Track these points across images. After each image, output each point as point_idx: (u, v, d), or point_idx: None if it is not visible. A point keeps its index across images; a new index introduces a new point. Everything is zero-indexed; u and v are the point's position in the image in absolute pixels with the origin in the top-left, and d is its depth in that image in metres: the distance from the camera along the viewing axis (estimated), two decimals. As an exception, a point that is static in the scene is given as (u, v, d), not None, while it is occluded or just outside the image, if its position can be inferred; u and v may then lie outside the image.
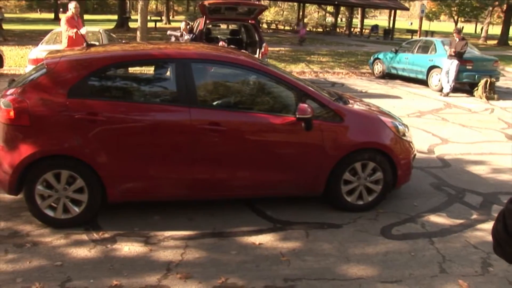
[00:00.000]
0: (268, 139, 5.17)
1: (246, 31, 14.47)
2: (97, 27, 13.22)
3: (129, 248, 4.48)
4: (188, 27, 12.81)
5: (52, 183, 4.73)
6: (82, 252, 4.38)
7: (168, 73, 5.31)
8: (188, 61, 5.09)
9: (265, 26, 44.34)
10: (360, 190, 5.52)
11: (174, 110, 4.96)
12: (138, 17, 20.36)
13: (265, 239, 4.76)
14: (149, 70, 5.38)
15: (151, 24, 32.75)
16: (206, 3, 12.94)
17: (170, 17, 58.21)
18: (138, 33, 19.95)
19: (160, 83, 5.59)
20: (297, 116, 5.00)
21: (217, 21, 15.12)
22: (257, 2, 16.43)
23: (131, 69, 5.32)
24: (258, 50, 13.18)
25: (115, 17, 43.65)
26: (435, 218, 5.50)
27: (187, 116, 4.88)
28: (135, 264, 4.20)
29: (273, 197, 5.60)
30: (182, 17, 53.95)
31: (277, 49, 24.81)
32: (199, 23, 13.53)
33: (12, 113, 4.59)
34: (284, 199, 5.64)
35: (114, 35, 14.13)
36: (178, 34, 12.70)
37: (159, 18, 49.93)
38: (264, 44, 13.19)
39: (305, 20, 49.08)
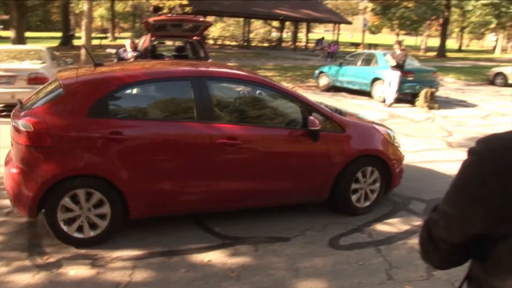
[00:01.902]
0: (280, 151, 5.47)
1: (191, 47, 14.47)
2: (40, 45, 12.90)
3: (75, 271, 4.36)
4: (133, 44, 12.71)
5: (75, 203, 4.73)
6: (24, 279, 4.20)
7: (185, 91, 5.42)
8: (204, 79, 5.28)
9: (211, 41, 44.43)
10: (361, 194, 5.93)
11: (191, 126, 5.09)
12: (83, 34, 20.08)
13: (214, 256, 4.74)
14: (166, 88, 5.52)
15: (96, 42, 32.31)
16: (151, 20, 12.91)
17: (116, 34, 57.57)
18: (82, 51, 19.68)
19: (178, 101, 5.63)
20: (309, 128, 5.35)
21: (162, 38, 15.08)
22: (202, 19, 16.46)
23: (148, 87, 5.55)
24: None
25: (59, 34, 42.81)
26: (381, 227, 5.62)
27: (205, 131, 5.05)
28: (81, 288, 4.10)
29: (285, 205, 5.83)
30: (128, 34, 53.42)
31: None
32: (144, 40, 13.46)
33: (32, 135, 4.56)
34: (233, 215, 5.63)
35: (58, 53, 13.82)
36: (120, 51, 12.54)
37: (104, 35, 49.31)
38: (210, 60, 13.23)
39: (251, 35, 49.47)
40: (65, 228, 4.76)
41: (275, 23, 55.14)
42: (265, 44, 48.61)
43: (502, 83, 23.12)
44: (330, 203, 5.91)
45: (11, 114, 5.14)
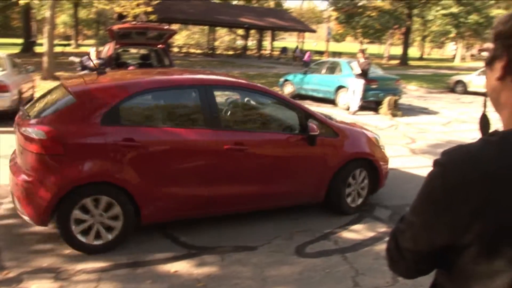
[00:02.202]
0: (282, 155, 5.77)
1: (156, 55, 14.37)
2: (0, 51, 12.60)
3: (37, 286, 4.23)
4: (97, 52, 12.57)
5: (88, 209, 4.78)
6: (-17, 294, 4.09)
7: (192, 99, 5.59)
8: (210, 87, 5.49)
9: (176, 49, 44.20)
10: (354, 194, 6.32)
11: (200, 132, 5.28)
12: (45, 41, 19.72)
13: (180, 266, 4.69)
14: (175, 96, 5.74)
15: (59, 49, 31.80)
16: (115, 28, 12.77)
17: (79, 42, 56.80)
18: (44, 58, 19.32)
19: (186, 108, 5.78)
20: (310, 133, 5.68)
21: (126, 46, 14.94)
22: (166, 27, 16.39)
23: (158, 95, 5.62)
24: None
25: (20, 41, 41.95)
26: (347, 234, 5.66)
27: (212, 137, 5.25)
28: (43, 301, 4.00)
29: (286, 207, 6.10)
30: (91, 41, 52.79)
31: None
32: (109, 48, 13.30)
33: (46, 143, 4.58)
34: (198, 224, 5.60)
35: (19, 61, 13.52)
36: (84, 59, 12.36)
37: (67, 42, 48.58)
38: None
39: (216, 43, 49.47)
40: (78, 236, 4.80)
41: (240, 31, 55.28)
42: (230, 52, 48.60)
43: (462, 90, 23.69)
44: (326, 203, 6.22)
45: (15, 122, 5.23)
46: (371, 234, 5.68)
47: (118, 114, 4.96)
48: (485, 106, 1.39)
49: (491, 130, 1.35)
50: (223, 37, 60.01)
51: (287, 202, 6.02)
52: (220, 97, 6.15)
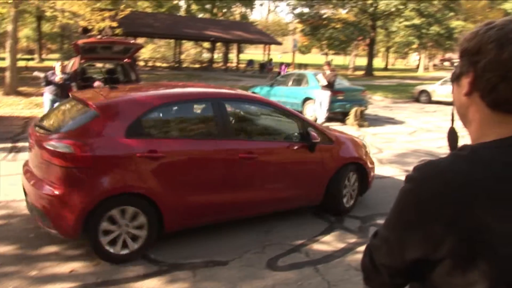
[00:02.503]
0: (287, 162, 6.22)
1: (122, 70, 14.28)
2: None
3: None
4: (62, 66, 12.38)
5: (115, 220, 4.94)
6: None
7: (207, 111, 5.99)
8: (222, 100, 5.90)
9: (142, 63, 43.93)
10: (348, 196, 6.79)
11: (216, 143, 5.64)
12: (7, 56, 19.38)
13: (151, 284, 4.62)
14: (192, 108, 6.24)
15: (22, 63, 31.25)
16: (80, 42, 12.66)
17: (43, 56, 55.95)
18: (7, 73, 18.97)
19: (203, 119, 6.20)
20: (312, 141, 6.19)
21: (92, 61, 14.80)
22: (132, 41, 16.28)
23: (177, 108, 6.00)
24: (135, 89, 12.99)
25: (-19, 56, 41.15)
26: (318, 246, 5.68)
27: (227, 147, 5.64)
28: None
29: (288, 209, 6.50)
30: (56, 56, 52.05)
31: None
32: (73, 63, 13.14)
33: (74, 156, 4.74)
34: (168, 240, 5.54)
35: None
36: (49, 74, 12.14)
37: (30, 56, 47.79)
38: (141, 83, 13.08)
39: (182, 57, 49.35)
40: (105, 244, 4.94)
41: (206, 44, 55.29)
42: (197, 65, 48.54)
43: (426, 100, 24.14)
44: (324, 205, 6.64)
45: (31, 136, 5.48)
46: (341, 245, 5.71)
47: (141, 126, 5.21)
48: (452, 119, 1.42)
49: (459, 143, 1.38)
50: (189, 50, 59.91)
51: (291, 204, 6.44)
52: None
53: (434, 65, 74.42)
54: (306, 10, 49.80)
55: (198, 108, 6.20)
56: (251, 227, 6.05)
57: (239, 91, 7.00)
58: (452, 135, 1.39)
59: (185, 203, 5.30)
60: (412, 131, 15.01)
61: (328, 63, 15.69)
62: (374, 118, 17.16)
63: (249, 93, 7.25)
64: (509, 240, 1.06)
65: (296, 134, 6.32)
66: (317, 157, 6.36)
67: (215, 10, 54.82)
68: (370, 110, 17.95)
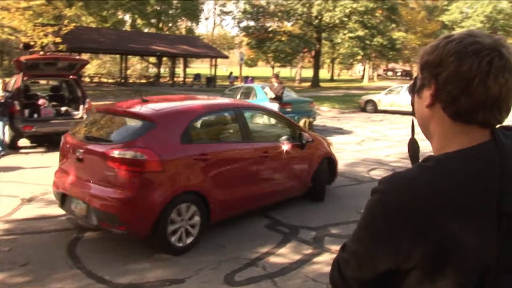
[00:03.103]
0: (289, 158, 7.42)
1: (67, 86, 13.96)
2: None
3: None
4: (3, 84, 12.01)
5: (177, 217, 5.66)
6: None
7: (234, 119, 7.02)
8: (242, 109, 7.15)
9: (88, 79, 43.11)
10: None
11: (244, 144, 6.78)
12: None
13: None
14: (222, 117, 7.37)
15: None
16: (22, 58, 12.30)
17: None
18: None
19: (230, 126, 7.25)
20: (307, 140, 7.60)
21: (35, 78, 14.42)
22: (77, 57, 15.96)
23: (212, 116, 7.12)
24: (81, 106, 12.76)
25: None
26: (274, 259, 5.66)
27: (251, 148, 6.81)
28: None
29: (286, 200, 7.57)
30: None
31: (101, 103, 24.01)
32: (16, 80, 12.74)
33: (146, 163, 5.38)
34: (121, 260, 5.41)
35: None
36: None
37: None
38: (87, 100, 12.85)
39: (128, 72, 48.77)
40: (172, 239, 5.62)
41: (153, 59, 54.89)
42: (143, 81, 47.99)
43: (373, 109, 24.73)
44: (309, 193, 7.94)
45: (74, 144, 6.05)
46: (297, 257, 5.72)
47: (190, 133, 6.07)
48: (413, 130, 1.44)
49: (420, 154, 1.41)
50: (135, 66, 59.32)
51: (291, 194, 7.63)
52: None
53: (378, 75, 76.34)
54: (251, 23, 50.26)
55: (226, 117, 7.27)
56: (205, 242, 5.99)
57: (250, 103, 8.61)
58: (413, 146, 1.42)
59: (225, 197, 6.19)
60: (360, 140, 15.29)
61: (276, 76, 15.78)
62: (322, 128, 17.35)
63: (256, 103, 9.23)
64: (474, 249, 1.09)
65: (292, 135, 7.56)
66: (307, 154, 7.75)
67: (160, 25, 54.49)
68: (318, 121, 18.19)
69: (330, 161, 8.34)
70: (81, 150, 5.87)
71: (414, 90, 1.34)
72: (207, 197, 5.90)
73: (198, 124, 6.55)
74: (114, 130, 6.33)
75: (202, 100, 7.70)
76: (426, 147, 1.39)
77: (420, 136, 1.41)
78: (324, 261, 5.59)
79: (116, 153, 5.43)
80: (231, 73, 46.71)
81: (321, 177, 8.06)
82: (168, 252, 5.62)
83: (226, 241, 6.13)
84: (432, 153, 1.27)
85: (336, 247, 5.99)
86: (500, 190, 1.12)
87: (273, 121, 8.41)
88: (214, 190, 6.01)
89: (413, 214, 1.12)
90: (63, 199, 6.14)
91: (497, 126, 1.22)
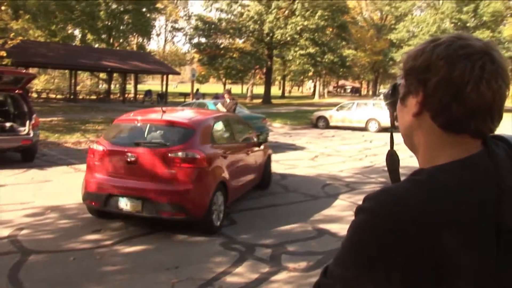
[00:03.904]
0: (254, 153, 9.32)
1: (13, 101, 13.45)
2: None
3: None
4: None
5: (215, 202, 7.14)
6: None
7: (226, 125, 8.80)
8: (229, 118, 9.28)
9: (35, 95, 41.94)
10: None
11: (236, 144, 8.77)
12: None
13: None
14: (221, 124, 8.77)
15: None
16: (-37, 73, 11.82)
17: None
18: None
19: (228, 130, 8.79)
20: (264, 140, 9.74)
21: (-22, 93, 13.86)
22: (24, 71, 15.45)
23: (218, 123, 8.57)
24: (27, 122, 12.32)
25: None
26: (231, 278, 5.51)
27: (244, 146, 8.98)
28: None
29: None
30: None
31: (49, 119, 23.41)
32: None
33: (200, 161, 6.92)
34: (69, 284, 5.16)
35: None
36: None
37: None
38: (34, 116, 12.41)
39: (78, 88, 47.78)
40: (214, 220, 7.11)
41: (103, 75, 54.03)
42: (93, 97, 47.09)
43: (324, 125, 25.05)
44: (261, 183, 9.86)
45: (143, 153, 6.97)
46: (254, 275, 5.58)
47: (213, 136, 7.74)
48: (392, 142, 1.35)
49: (400, 167, 1.33)
50: (85, 81, 58.26)
51: (254, 183, 9.40)
52: None
53: (329, 92, 77.45)
54: (203, 40, 50.26)
55: (224, 123, 8.73)
56: (157, 262, 5.80)
57: (228, 113, 10.93)
58: (392, 158, 1.33)
59: (234, 184, 7.92)
60: (313, 156, 15.34)
61: (229, 92, 15.74)
62: (275, 145, 17.29)
63: (233, 113, 12.06)
64: (473, 269, 1.02)
65: (252, 136, 9.57)
66: (261, 150, 9.66)
67: (111, 40, 53.74)
68: (271, 137, 18.12)
69: (269, 156, 10.34)
70: (133, 154, 6.90)
71: (393, 100, 1.26)
72: (227, 186, 7.55)
73: (215, 129, 7.98)
74: (162, 136, 7.41)
75: (206, 112, 10.73)
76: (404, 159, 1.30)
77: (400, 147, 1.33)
78: (282, 280, 5.48)
79: (179, 154, 6.84)
80: (197, 89, 46.53)
81: (268, 170, 10.16)
82: (210, 231, 7.01)
83: (180, 260, 5.95)
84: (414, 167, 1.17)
85: (293, 265, 5.91)
86: (498, 204, 1.04)
87: (242, 126, 9.88)
88: (229, 180, 7.65)
89: (406, 234, 1.02)
90: (107, 200, 6.97)
91: (488, 135, 1.14)
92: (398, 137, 1.23)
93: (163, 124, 7.52)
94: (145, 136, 7.41)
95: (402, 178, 1.17)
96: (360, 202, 1.11)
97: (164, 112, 7.76)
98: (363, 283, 1.10)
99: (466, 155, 1.10)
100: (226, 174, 7.50)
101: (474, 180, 1.07)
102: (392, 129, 1.35)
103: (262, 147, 9.66)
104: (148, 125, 7.55)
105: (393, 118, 1.31)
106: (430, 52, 1.12)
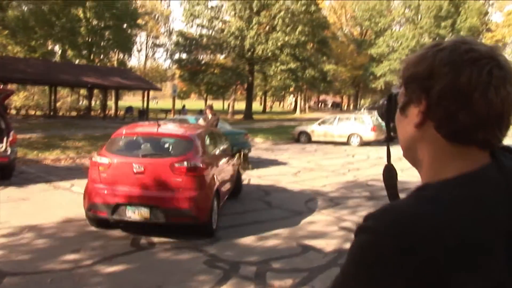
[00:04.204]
0: (230, 163, 9.98)
1: (-10, 118, 13.18)
2: None
3: None
4: None
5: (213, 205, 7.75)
6: None
7: (211, 138, 9.51)
8: (212, 131, 10.15)
9: (14, 111, 41.39)
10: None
11: (220, 154, 9.47)
12: None
13: None
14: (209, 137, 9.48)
15: None
16: None
17: None
18: None
19: (212, 142, 9.35)
20: (238, 152, 11.50)
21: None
22: (2, 86, 15.18)
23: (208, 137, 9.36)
24: (5, 139, 12.06)
25: None
26: (214, 298, 5.36)
27: (224, 154, 9.71)
28: None
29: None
30: None
31: (28, 136, 23.00)
32: None
33: (200, 169, 7.53)
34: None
35: None
36: None
37: None
38: (11, 132, 12.17)
39: (58, 104, 47.32)
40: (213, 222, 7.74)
41: (83, 91, 53.61)
42: (74, 113, 46.62)
43: (306, 140, 25.10)
44: (234, 191, 10.28)
45: (150, 163, 7.49)
46: (239, 295, 5.45)
47: (206, 147, 8.40)
48: (389, 156, 1.26)
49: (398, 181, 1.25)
50: (66, 98, 57.74)
51: (232, 190, 9.94)
52: None
53: (310, 107, 77.78)
54: (184, 56, 50.24)
55: (210, 136, 9.31)
56: (141, 284, 5.64)
57: (208, 128, 11.14)
58: (389, 173, 1.24)
59: (223, 190, 8.54)
60: (296, 171, 15.25)
61: (210, 107, 15.66)
62: (257, 160, 17.22)
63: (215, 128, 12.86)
64: None
65: (228, 147, 10.47)
66: (234, 161, 10.44)
67: (92, 56, 53.43)
68: (253, 153, 18.05)
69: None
70: (140, 165, 7.37)
71: (389, 111, 1.18)
72: (219, 192, 8.15)
73: (206, 141, 8.62)
74: (165, 148, 8.26)
75: (195, 126, 12.12)
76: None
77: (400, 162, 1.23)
78: (266, 298, 5.35)
79: (185, 163, 7.38)
80: (183, 106, 46.46)
81: (239, 178, 10.85)
82: (209, 234, 7.53)
83: (162, 280, 5.78)
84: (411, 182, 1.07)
85: (279, 282, 5.78)
86: (510, 219, 0.96)
87: (220, 138, 10.46)
88: (220, 186, 8.19)
89: (414, 255, 0.92)
90: (115, 209, 7.30)
91: (496, 146, 1.05)
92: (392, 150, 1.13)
93: (163, 136, 8.37)
94: (149, 147, 7.98)
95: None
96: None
97: (159, 125, 8.55)
98: None
99: (474, 167, 1.01)
100: (218, 181, 8.09)
101: (486, 195, 0.98)
102: (388, 142, 1.26)
103: (235, 158, 10.77)
104: (149, 138, 8.20)
105: (390, 130, 1.22)
106: (433, 57, 1.03)
